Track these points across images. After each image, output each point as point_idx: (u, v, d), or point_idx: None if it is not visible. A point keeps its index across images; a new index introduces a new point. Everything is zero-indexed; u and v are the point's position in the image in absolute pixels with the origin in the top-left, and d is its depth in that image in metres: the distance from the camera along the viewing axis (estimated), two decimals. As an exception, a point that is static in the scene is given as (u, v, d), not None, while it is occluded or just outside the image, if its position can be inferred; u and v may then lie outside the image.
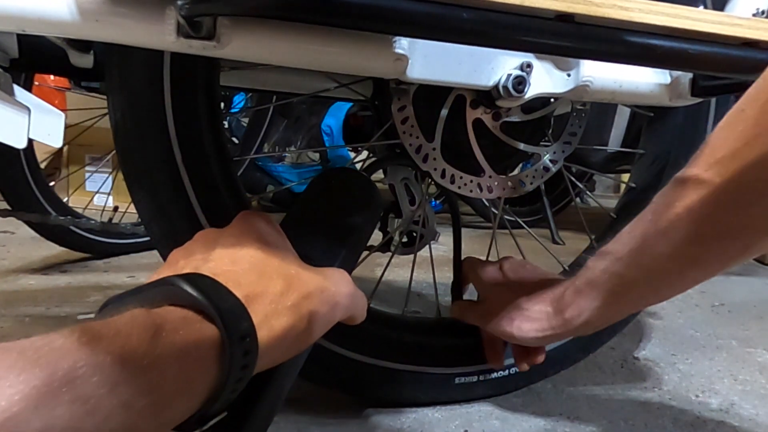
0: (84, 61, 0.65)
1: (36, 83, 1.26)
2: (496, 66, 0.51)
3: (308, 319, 0.35)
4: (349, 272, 0.44)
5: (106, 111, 0.62)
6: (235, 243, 0.36)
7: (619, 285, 0.45)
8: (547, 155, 0.63)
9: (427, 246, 0.68)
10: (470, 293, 0.66)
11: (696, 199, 0.38)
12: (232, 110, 1.87)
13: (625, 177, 0.92)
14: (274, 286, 0.34)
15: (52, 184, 1.22)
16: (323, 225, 0.46)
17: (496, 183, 0.61)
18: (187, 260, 0.36)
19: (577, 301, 0.49)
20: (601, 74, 0.53)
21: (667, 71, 0.57)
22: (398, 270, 0.97)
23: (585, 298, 0.48)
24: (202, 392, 0.28)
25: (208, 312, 0.29)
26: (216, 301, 0.29)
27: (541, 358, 0.61)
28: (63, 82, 1.38)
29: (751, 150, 0.35)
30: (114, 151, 0.52)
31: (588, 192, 1.30)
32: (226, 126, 1.96)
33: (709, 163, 0.37)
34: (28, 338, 0.23)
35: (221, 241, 0.37)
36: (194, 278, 0.30)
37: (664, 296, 0.47)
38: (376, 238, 0.58)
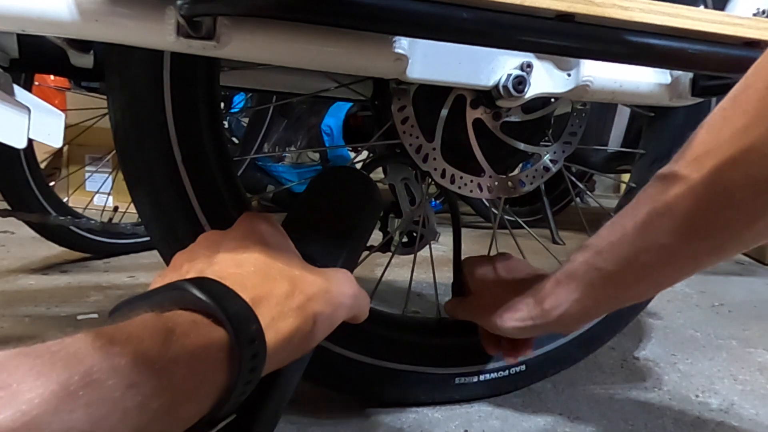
0: (84, 61, 0.65)
1: (36, 83, 1.26)
2: (496, 66, 0.51)
3: (313, 320, 0.35)
4: (351, 271, 0.44)
5: (106, 111, 0.62)
6: (239, 245, 0.36)
7: (597, 278, 0.46)
8: (548, 155, 0.63)
9: (427, 246, 0.68)
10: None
11: (673, 195, 0.38)
12: (232, 110, 1.87)
13: (625, 177, 0.92)
14: (279, 288, 0.34)
15: (52, 184, 1.22)
16: (324, 225, 0.46)
17: (496, 183, 0.61)
18: (191, 263, 0.36)
19: (557, 292, 0.49)
20: (602, 74, 0.53)
21: (667, 71, 0.57)
22: (398, 270, 0.97)
23: (564, 289, 0.48)
24: (211, 395, 0.29)
25: (216, 316, 0.29)
26: (224, 305, 0.29)
27: (527, 352, 0.61)
28: (63, 82, 1.38)
29: (726, 149, 0.35)
30: (114, 151, 0.52)
31: (588, 192, 1.30)
32: (226, 126, 1.96)
33: (689, 160, 0.38)
34: (43, 342, 0.23)
35: (225, 244, 0.37)
36: (203, 282, 0.31)
37: (642, 293, 0.47)
38: (376, 238, 0.58)
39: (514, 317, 0.53)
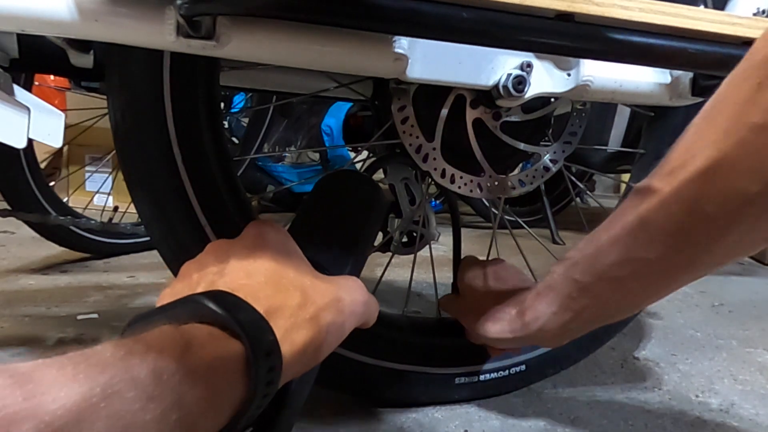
0: (84, 61, 0.65)
1: (36, 83, 1.26)
2: (496, 66, 0.51)
3: (326, 330, 0.35)
4: (358, 275, 0.44)
5: (106, 111, 0.62)
6: (249, 255, 0.36)
7: (575, 290, 0.45)
8: (548, 155, 0.63)
9: (427, 246, 0.68)
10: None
11: (646, 208, 0.38)
12: (232, 110, 1.87)
13: (625, 177, 0.92)
14: (292, 299, 0.34)
15: (52, 184, 1.22)
16: (331, 230, 0.46)
17: (496, 183, 0.61)
18: (201, 273, 0.36)
19: (536, 305, 0.49)
20: (602, 74, 0.53)
21: (667, 71, 0.57)
22: (398, 270, 0.97)
23: (543, 302, 0.48)
24: (229, 408, 0.29)
25: (233, 329, 0.29)
26: (240, 318, 0.29)
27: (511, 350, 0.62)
28: (63, 82, 1.38)
29: (697, 162, 0.34)
30: (114, 151, 0.52)
31: (588, 192, 1.30)
32: (226, 126, 1.96)
33: (663, 173, 0.37)
34: (65, 354, 0.24)
35: (234, 253, 0.37)
36: (218, 295, 0.31)
37: (620, 308, 0.46)
38: (376, 238, 0.58)
39: (495, 328, 0.53)
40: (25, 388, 0.21)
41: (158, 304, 0.34)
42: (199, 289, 0.34)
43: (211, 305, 0.29)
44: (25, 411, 0.20)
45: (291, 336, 0.32)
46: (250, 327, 0.29)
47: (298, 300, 0.34)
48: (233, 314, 0.29)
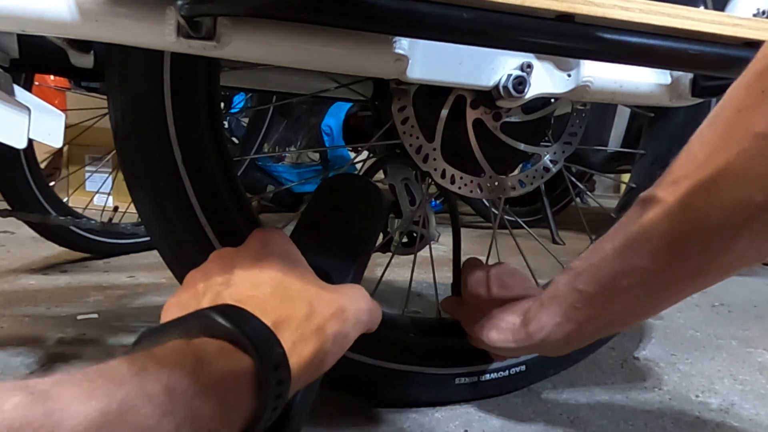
0: (84, 61, 0.65)
1: (36, 83, 1.26)
2: (496, 66, 0.51)
3: (331, 341, 0.35)
4: (359, 280, 0.45)
5: (106, 111, 0.62)
6: (254, 265, 0.37)
7: (578, 300, 0.45)
8: (548, 155, 0.63)
9: (427, 246, 0.68)
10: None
11: (651, 218, 0.38)
12: (232, 110, 1.87)
13: (625, 177, 0.92)
14: (299, 310, 0.34)
15: (52, 184, 1.22)
16: (334, 237, 0.46)
17: (496, 183, 0.61)
18: (206, 284, 0.36)
19: (540, 315, 0.49)
20: (602, 74, 0.53)
21: (667, 71, 0.57)
22: (398, 270, 0.97)
23: (547, 313, 0.48)
24: (239, 421, 0.29)
25: (242, 343, 0.30)
26: (249, 333, 0.30)
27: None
28: (63, 82, 1.38)
29: (700, 172, 0.34)
30: (114, 151, 0.52)
31: (588, 192, 1.30)
32: (226, 126, 1.96)
33: (667, 183, 0.37)
34: (80, 370, 0.24)
35: (239, 263, 0.37)
36: (226, 310, 0.31)
37: (625, 318, 0.46)
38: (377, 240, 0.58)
39: (498, 337, 0.53)
40: (45, 405, 0.21)
41: (163, 314, 0.34)
42: (205, 300, 0.34)
43: (221, 320, 0.30)
44: (47, 427, 0.21)
45: (298, 348, 0.33)
46: (258, 341, 0.30)
47: (305, 311, 0.34)
48: (242, 329, 0.30)
